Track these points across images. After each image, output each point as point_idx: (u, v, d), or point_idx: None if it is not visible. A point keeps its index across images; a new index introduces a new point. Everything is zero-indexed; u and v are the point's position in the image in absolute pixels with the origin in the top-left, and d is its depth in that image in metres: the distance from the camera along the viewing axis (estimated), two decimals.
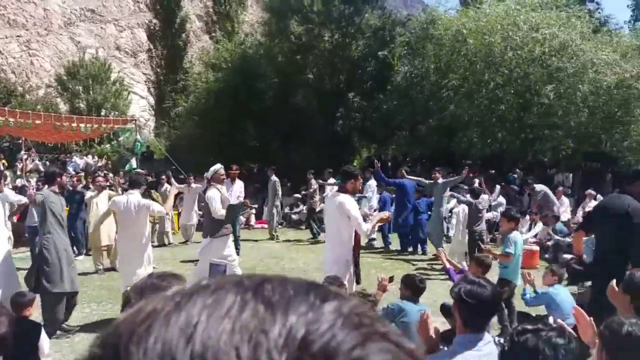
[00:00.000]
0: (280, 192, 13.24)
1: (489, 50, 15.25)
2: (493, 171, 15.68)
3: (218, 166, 7.48)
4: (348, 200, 5.48)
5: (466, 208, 9.45)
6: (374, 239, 12.01)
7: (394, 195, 12.08)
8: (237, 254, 10.48)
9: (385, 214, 6.82)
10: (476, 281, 2.77)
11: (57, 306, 6.13)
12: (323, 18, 19.74)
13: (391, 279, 4.92)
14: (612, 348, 2.12)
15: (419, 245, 11.40)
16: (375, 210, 11.48)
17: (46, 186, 6.87)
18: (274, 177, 12.95)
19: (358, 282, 5.78)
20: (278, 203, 13.24)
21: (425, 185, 11.23)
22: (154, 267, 6.97)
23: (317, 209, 12.76)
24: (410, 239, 11.57)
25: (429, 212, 11.18)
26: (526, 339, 1.82)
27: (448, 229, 11.85)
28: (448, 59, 16.55)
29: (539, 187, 12.58)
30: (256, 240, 12.96)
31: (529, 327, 1.89)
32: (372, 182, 12.94)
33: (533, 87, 15.12)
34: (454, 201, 10.74)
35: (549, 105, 14.93)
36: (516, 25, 15.27)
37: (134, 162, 17.10)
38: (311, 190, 13.32)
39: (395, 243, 11.93)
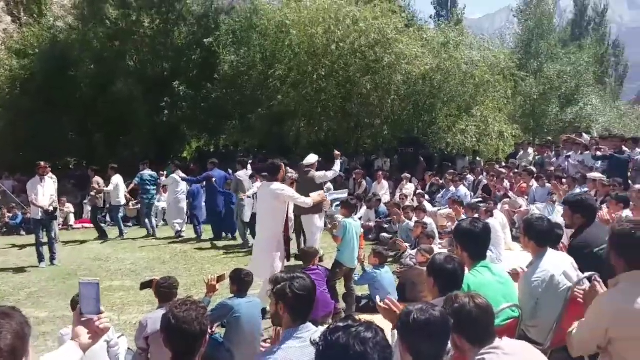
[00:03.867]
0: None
1: (312, 42, 15.75)
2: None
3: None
4: (283, 186, 6.49)
5: None
6: (182, 231, 12.28)
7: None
8: (53, 259, 9.69)
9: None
10: (287, 278, 2.89)
11: None
12: (141, 3, 18.79)
13: (220, 279, 4.86)
14: (405, 337, 2.31)
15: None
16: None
17: None
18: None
19: (288, 259, 6.70)
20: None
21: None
22: None
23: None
24: (223, 226, 11.86)
25: None
26: (338, 337, 1.85)
27: None
28: (273, 49, 16.74)
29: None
30: (80, 242, 12.08)
31: (341, 324, 1.93)
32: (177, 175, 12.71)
33: (353, 77, 15.97)
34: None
35: (367, 95, 15.91)
36: (337, 19, 15.93)
37: None
38: (97, 187, 12.66)
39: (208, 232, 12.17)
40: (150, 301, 6.83)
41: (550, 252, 3.89)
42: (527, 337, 3.58)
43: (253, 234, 10.68)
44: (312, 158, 9.14)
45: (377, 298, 3.15)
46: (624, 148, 10.54)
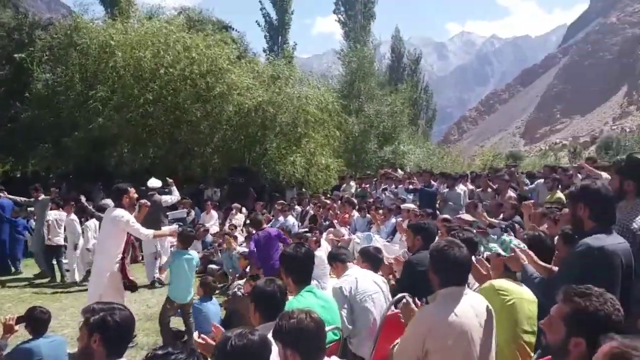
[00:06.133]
0: None
1: (139, 65, 15.12)
2: (144, 187, 15.50)
3: None
4: (124, 213, 6.00)
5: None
6: None
7: None
8: None
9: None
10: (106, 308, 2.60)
11: None
12: None
13: (19, 320, 4.24)
14: None
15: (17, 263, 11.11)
16: None
17: None
18: None
19: (132, 290, 6.27)
20: None
21: (24, 204, 11.29)
22: None
23: None
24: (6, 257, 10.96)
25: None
26: None
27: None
28: (95, 69, 15.75)
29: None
30: None
31: (160, 352, 1.81)
32: None
33: (183, 104, 15.60)
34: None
35: (197, 123, 15.62)
36: (167, 44, 15.54)
37: None
38: None
39: None
40: None
41: (356, 267, 4.38)
42: (351, 352, 3.73)
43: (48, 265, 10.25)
44: (156, 182, 9.78)
45: (196, 333, 2.99)
46: (432, 182, 11.63)
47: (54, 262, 10.41)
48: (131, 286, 6.20)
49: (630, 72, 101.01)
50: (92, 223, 9.97)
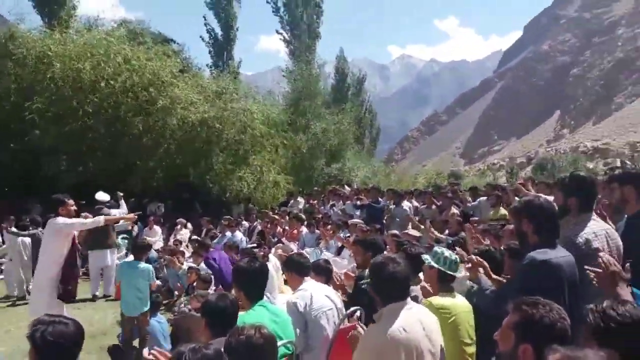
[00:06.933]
0: None
1: (78, 77, 14.67)
2: (84, 202, 14.94)
3: None
4: (63, 219, 5.90)
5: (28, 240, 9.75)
6: None
7: None
8: None
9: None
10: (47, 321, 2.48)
11: None
12: None
13: None
14: None
15: None
16: None
17: None
18: None
19: (65, 300, 5.88)
20: None
21: None
22: None
23: None
24: None
25: None
26: None
27: None
28: (32, 80, 15.13)
29: None
30: None
31: None
32: None
33: (124, 117, 15.22)
34: None
35: (139, 137, 15.26)
36: (107, 56, 15.18)
37: None
38: None
39: None
40: None
41: (312, 281, 4.30)
42: None
43: None
44: (104, 196, 10.08)
45: (145, 350, 2.89)
46: (380, 199, 11.79)
47: None
48: (66, 295, 5.96)
49: (562, 97, 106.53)
50: (23, 240, 9.73)
